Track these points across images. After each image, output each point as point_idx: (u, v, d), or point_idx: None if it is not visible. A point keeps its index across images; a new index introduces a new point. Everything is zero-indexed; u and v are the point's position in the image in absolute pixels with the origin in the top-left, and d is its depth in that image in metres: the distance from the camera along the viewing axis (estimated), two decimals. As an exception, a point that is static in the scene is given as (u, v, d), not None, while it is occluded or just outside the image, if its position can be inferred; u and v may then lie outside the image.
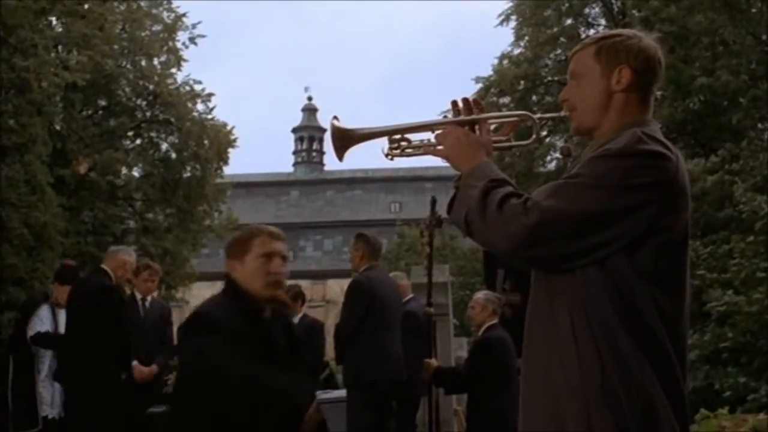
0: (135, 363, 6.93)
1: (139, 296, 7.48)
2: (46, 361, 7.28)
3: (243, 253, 3.11)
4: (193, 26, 23.81)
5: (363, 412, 6.04)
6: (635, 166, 2.13)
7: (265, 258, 3.08)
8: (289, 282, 9.12)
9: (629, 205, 2.12)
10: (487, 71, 24.47)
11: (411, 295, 7.55)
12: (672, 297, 2.22)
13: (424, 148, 2.48)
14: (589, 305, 2.15)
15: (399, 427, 6.99)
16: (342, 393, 6.51)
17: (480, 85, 24.30)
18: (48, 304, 7.40)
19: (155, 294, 7.98)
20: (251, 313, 3.07)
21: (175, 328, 8.60)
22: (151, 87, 23.44)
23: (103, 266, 6.84)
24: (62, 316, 7.10)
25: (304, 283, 12.96)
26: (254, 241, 3.12)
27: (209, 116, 24.23)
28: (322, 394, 6.94)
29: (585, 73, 2.32)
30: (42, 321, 7.25)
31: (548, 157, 23.72)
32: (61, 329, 7.05)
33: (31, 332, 7.26)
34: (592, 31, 23.82)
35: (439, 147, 2.42)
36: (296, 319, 7.82)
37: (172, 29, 23.77)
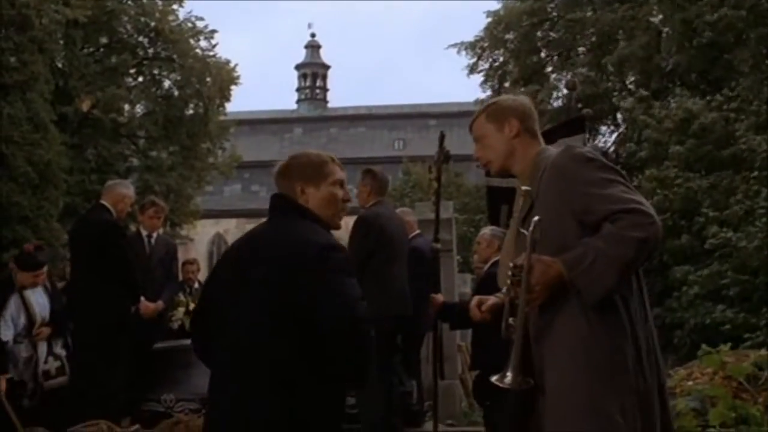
0: (141, 299, 6.95)
1: (144, 233, 7.49)
2: None
3: (321, 178, 2.98)
4: (195, -39, 23.53)
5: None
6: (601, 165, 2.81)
7: (339, 185, 2.98)
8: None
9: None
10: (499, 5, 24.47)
11: (417, 231, 7.56)
12: None
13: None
14: None
15: (403, 361, 7.06)
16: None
17: (489, 20, 24.13)
18: (16, 293, 6.62)
19: (160, 231, 7.99)
20: None
21: (179, 265, 8.66)
22: (153, 24, 23.21)
23: (103, 201, 6.84)
24: (34, 296, 6.63)
25: (308, 221, 12.93)
26: (329, 167, 3.02)
27: (211, 53, 24.08)
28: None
29: (485, 134, 3.03)
30: (8, 324, 6.48)
31: (552, 95, 23.67)
32: (36, 310, 6.57)
33: None
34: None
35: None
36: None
37: (172, -36, 23.49)
